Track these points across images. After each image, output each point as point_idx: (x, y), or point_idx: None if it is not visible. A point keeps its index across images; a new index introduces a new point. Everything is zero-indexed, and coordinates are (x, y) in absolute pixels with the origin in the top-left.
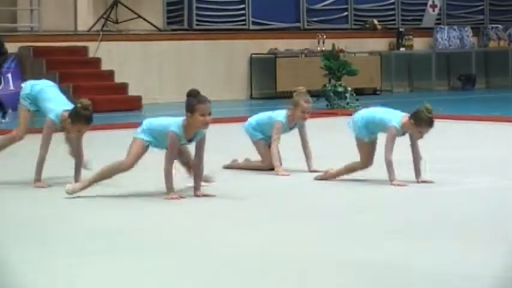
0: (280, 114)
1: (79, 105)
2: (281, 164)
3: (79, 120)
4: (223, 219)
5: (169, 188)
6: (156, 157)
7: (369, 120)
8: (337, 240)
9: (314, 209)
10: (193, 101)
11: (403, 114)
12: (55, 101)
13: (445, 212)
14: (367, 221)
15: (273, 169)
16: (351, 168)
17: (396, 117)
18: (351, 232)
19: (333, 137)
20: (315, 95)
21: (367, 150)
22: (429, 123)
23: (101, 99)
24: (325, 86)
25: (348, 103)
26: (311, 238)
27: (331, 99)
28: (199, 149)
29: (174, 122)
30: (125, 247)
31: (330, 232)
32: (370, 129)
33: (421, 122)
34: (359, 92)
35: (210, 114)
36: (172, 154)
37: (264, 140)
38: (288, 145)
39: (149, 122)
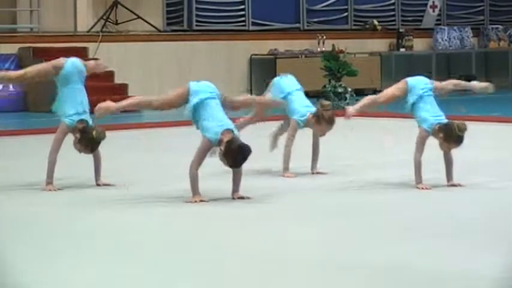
0: (300, 113)
1: None
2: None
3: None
4: (225, 219)
5: (195, 191)
6: (155, 158)
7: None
8: (339, 241)
9: (315, 210)
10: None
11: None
12: None
13: (446, 212)
14: (368, 222)
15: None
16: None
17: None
18: (352, 233)
19: (332, 138)
20: (315, 95)
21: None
22: (457, 142)
23: (100, 99)
24: (325, 86)
25: (348, 104)
26: (312, 239)
27: (331, 100)
28: None
29: (212, 127)
30: (125, 247)
31: (332, 233)
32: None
33: (449, 139)
34: (359, 92)
35: None
36: (200, 158)
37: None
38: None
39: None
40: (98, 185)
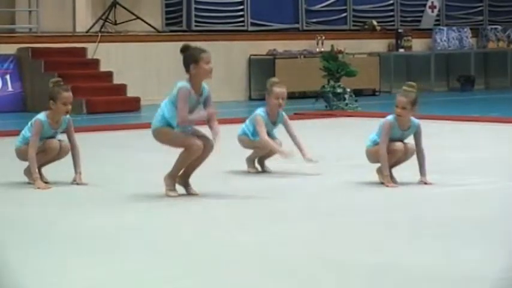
0: (258, 110)
1: (51, 84)
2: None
3: (57, 92)
4: (224, 218)
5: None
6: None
7: None
8: (339, 240)
9: (315, 209)
10: (196, 50)
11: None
12: None
13: (446, 212)
14: (368, 221)
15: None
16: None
17: None
18: (352, 232)
19: (331, 138)
20: (313, 96)
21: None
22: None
23: (99, 100)
24: (324, 87)
25: (346, 104)
26: (312, 238)
27: (330, 100)
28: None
29: (177, 83)
30: (125, 247)
31: (332, 232)
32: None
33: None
34: (358, 93)
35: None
36: (184, 106)
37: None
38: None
39: (160, 113)
40: (75, 181)
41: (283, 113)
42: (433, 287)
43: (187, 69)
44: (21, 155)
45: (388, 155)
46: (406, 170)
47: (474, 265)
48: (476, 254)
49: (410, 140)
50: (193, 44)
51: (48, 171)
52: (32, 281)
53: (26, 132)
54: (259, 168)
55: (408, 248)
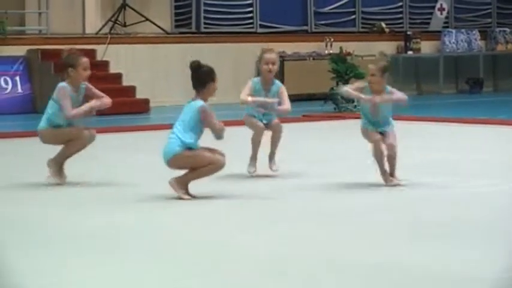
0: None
1: (65, 53)
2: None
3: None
4: (224, 219)
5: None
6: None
7: None
8: (340, 241)
9: (319, 210)
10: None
11: None
12: None
13: (450, 213)
14: (372, 222)
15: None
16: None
17: None
18: (355, 233)
19: (340, 140)
20: (322, 98)
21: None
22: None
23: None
24: (332, 89)
25: (355, 106)
26: (316, 239)
27: (338, 102)
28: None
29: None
30: (126, 247)
31: (335, 233)
32: None
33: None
34: None
35: None
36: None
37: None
38: (287, 146)
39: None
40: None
41: (281, 84)
42: (433, 287)
43: (202, 88)
44: (45, 137)
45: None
46: (406, 170)
47: (474, 265)
48: (476, 254)
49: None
50: (201, 46)
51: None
52: (32, 281)
53: (48, 112)
54: (270, 168)
55: (408, 248)
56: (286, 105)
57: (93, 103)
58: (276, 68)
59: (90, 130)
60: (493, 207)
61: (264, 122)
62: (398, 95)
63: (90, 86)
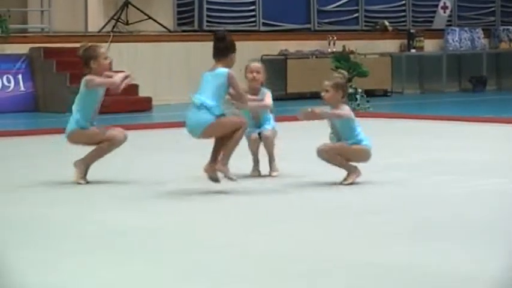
0: None
1: (81, 50)
2: None
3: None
4: (227, 219)
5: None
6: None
7: None
8: (345, 241)
9: (321, 210)
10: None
11: None
12: None
13: (453, 213)
14: (375, 222)
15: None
16: None
17: None
18: (358, 233)
19: None
20: None
21: None
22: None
23: (111, 100)
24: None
25: (358, 104)
26: (319, 238)
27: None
28: None
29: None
30: (131, 247)
31: (338, 233)
32: None
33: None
34: (370, 93)
35: None
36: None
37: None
38: (289, 144)
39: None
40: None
41: (267, 90)
42: (433, 287)
43: (225, 56)
44: (76, 137)
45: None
46: (405, 170)
47: (474, 265)
48: (477, 254)
49: None
50: (204, 44)
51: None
52: (41, 281)
53: (76, 113)
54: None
55: (408, 247)
56: (266, 101)
57: (125, 73)
58: (260, 76)
59: (123, 131)
60: (493, 207)
61: (257, 131)
62: (338, 111)
63: (107, 73)
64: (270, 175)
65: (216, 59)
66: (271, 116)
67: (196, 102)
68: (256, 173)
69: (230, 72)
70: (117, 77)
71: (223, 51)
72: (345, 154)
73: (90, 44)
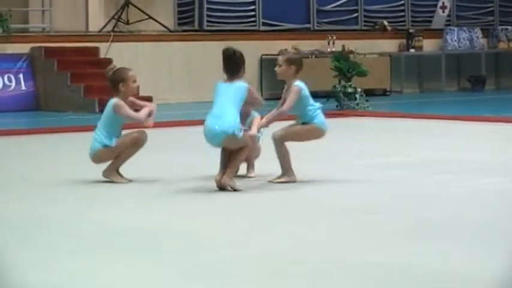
0: None
1: (110, 72)
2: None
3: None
4: (230, 219)
5: None
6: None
7: None
8: (345, 241)
9: (322, 210)
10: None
11: None
12: None
13: (452, 212)
14: (375, 221)
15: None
16: None
17: None
18: (359, 233)
19: (341, 138)
20: (324, 95)
21: None
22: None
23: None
24: (335, 86)
25: (357, 104)
26: (319, 238)
27: (341, 100)
28: None
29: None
30: (130, 247)
31: (338, 232)
32: None
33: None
34: (369, 92)
35: None
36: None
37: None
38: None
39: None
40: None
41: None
42: (433, 287)
43: (238, 72)
44: (99, 157)
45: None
46: (404, 169)
47: (474, 265)
48: (476, 253)
49: None
50: (204, 44)
51: (67, 169)
52: (42, 280)
53: (101, 132)
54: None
55: (408, 247)
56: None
57: (150, 107)
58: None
59: (143, 131)
60: (493, 207)
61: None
62: (279, 110)
63: (132, 98)
64: (246, 175)
65: (228, 75)
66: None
67: (218, 112)
68: (252, 174)
69: (248, 86)
70: (143, 114)
71: (235, 66)
72: (296, 137)
73: (118, 66)
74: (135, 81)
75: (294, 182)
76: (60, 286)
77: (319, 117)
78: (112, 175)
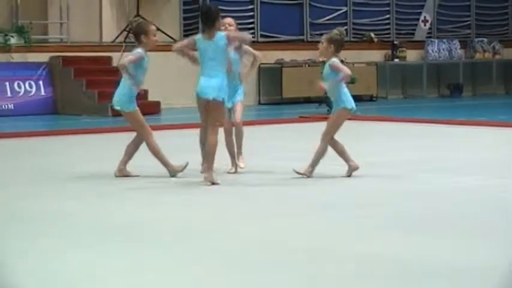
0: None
1: (134, 22)
2: None
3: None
4: (230, 212)
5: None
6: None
7: None
8: (337, 233)
9: (314, 204)
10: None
11: None
12: None
13: (436, 207)
14: (365, 215)
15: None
16: None
17: None
18: (350, 226)
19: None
20: (317, 101)
21: None
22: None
23: None
24: (326, 92)
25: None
26: (312, 230)
27: (331, 105)
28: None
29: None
30: (140, 239)
31: (330, 225)
32: None
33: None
34: (357, 98)
35: None
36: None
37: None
38: (284, 145)
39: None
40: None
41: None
42: (430, 280)
43: (214, 24)
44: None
45: None
46: (390, 167)
47: (464, 257)
48: (465, 246)
49: None
50: None
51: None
52: (53, 272)
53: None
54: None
55: (402, 241)
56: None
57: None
58: (232, 28)
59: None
60: (479, 202)
61: (229, 106)
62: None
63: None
64: (236, 168)
65: (206, 28)
66: (241, 86)
67: (208, 71)
68: (232, 169)
69: (226, 34)
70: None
71: (211, 20)
72: (334, 129)
73: (142, 20)
74: (155, 34)
75: (357, 169)
76: (68, 277)
77: (349, 100)
78: (124, 172)
